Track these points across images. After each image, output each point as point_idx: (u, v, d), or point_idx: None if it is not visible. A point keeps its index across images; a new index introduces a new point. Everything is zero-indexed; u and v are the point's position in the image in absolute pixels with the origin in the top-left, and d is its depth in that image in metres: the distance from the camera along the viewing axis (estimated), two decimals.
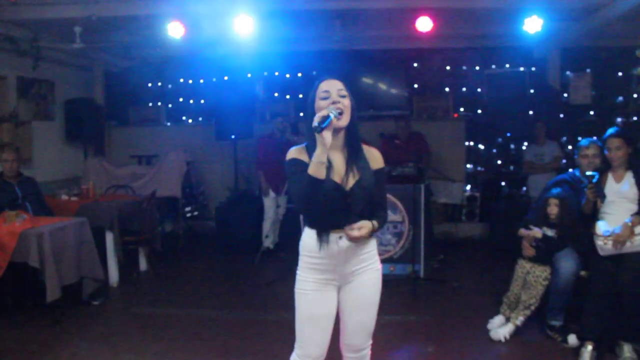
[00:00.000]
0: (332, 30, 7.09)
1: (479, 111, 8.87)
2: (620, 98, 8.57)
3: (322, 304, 2.67)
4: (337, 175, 2.60)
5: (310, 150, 2.56)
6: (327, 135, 2.44)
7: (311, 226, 2.66)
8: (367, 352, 2.81)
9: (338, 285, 2.71)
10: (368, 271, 2.71)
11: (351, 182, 2.60)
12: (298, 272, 2.71)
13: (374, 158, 2.72)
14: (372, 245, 2.74)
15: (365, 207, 2.64)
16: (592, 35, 7.30)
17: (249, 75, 9.23)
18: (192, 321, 5.09)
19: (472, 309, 5.27)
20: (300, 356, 2.71)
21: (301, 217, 2.95)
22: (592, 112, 8.60)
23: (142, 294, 6.04)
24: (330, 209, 2.57)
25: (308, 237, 2.66)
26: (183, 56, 8.71)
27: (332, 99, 2.58)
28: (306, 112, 2.68)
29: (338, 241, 2.61)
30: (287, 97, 9.25)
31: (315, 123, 2.42)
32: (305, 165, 2.52)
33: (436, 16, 6.35)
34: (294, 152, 2.66)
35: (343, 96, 2.60)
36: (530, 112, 7.97)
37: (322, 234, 2.61)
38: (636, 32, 5.51)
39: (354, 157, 2.64)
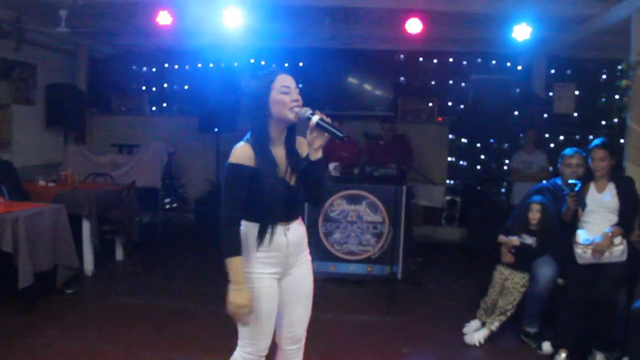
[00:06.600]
0: (321, 28, 7.06)
1: (464, 116, 8.88)
2: (603, 110, 8.65)
3: (276, 297, 2.67)
4: (281, 171, 2.60)
5: (256, 148, 2.54)
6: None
7: (257, 221, 2.60)
8: (304, 340, 2.83)
9: (280, 278, 2.69)
10: (305, 262, 2.77)
11: (293, 177, 2.63)
12: (249, 269, 2.60)
13: (303, 144, 2.69)
14: (306, 236, 2.79)
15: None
16: (579, 45, 7.37)
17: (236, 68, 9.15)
18: (166, 313, 5.03)
19: (448, 313, 5.27)
20: (251, 353, 2.64)
21: None
22: (575, 123, 8.67)
23: (117, 284, 5.97)
24: (277, 204, 2.58)
25: (253, 232, 2.61)
26: (169, 46, 8.62)
27: (293, 95, 2.55)
28: (256, 103, 2.58)
29: (287, 233, 2.63)
30: None
31: (339, 134, 2.46)
32: (249, 173, 2.53)
33: (426, 18, 6.36)
34: (239, 155, 2.54)
35: (299, 94, 2.59)
36: (515, 119, 8.01)
37: (271, 227, 2.59)
38: (621, 45, 5.56)
39: (292, 152, 2.64)
